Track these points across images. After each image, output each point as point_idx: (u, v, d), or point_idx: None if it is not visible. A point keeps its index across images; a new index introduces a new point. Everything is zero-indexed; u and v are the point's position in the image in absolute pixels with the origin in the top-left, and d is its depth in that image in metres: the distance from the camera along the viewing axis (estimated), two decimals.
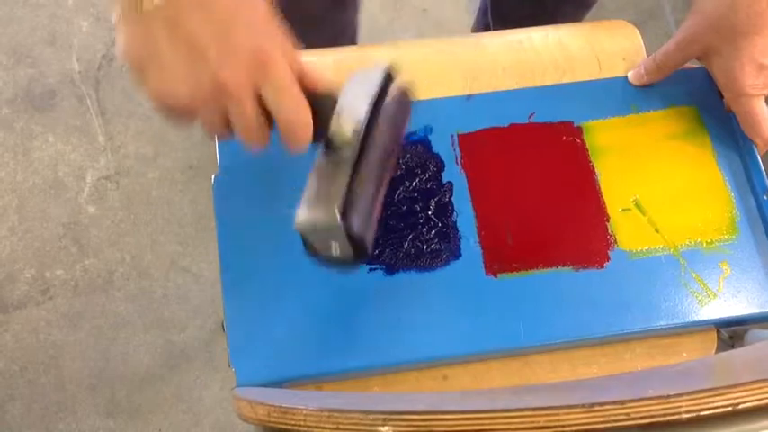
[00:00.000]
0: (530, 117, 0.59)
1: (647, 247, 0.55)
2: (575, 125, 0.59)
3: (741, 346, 0.56)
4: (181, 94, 0.38)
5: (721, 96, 0.60)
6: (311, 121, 0.42)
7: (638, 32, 0.65)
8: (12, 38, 1.42)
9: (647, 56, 0.62)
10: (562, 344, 0.53)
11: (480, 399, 0.44)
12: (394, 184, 0.56)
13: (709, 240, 0.55)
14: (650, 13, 1.43)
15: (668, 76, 0.60)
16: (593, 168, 0.57)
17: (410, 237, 0.55)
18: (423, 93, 0.61)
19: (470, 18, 1.29)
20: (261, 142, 0.42)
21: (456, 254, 0.54)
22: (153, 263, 1.27)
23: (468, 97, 0.60)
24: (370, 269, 0.54)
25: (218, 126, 0.41)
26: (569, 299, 0.53)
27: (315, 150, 0.45)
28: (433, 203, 0.56)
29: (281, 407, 0.35)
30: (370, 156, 0.45)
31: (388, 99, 0.47)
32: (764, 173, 0.56)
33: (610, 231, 0.55)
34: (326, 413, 0.32)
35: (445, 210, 0.56)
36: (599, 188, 0.57)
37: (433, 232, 0.55)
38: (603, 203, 0.56)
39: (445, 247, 0.54)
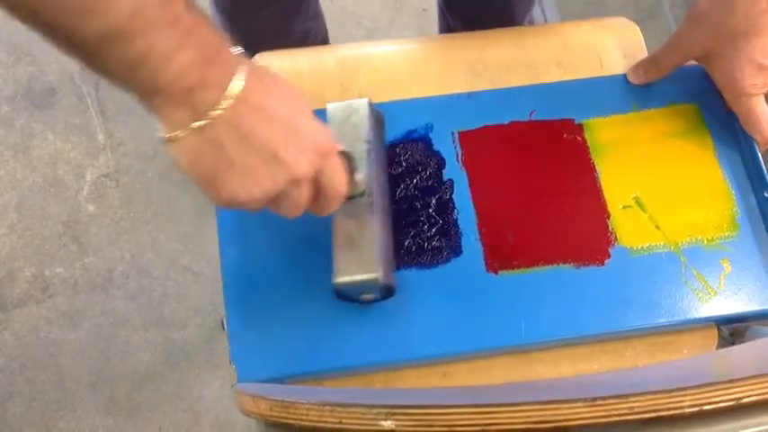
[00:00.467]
0: (530, 114, 0.59)
1: (647, 245, 0.55)
2: (575, 122, 0.59)
3: (742, 343, 0.56)
4: (257, 194, 0.40)
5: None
6: None
7: (638, 30, 0.65)
8: (12, 35, 1.42)
9: (648, 53, 0.62)
10: (563, 341, 0.53)
11: (482, 394, 0.44)
12: (395, 182, 0.56)
13: (709, 238, 0.55)
14: (651, 10, 1.43)
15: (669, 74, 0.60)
16: (594, 166, 0.57)
17: (411, 234, 0.55)
18: (424, 90, 0.61)
19: None
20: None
21: (457, 251, 0.54)
22: (153, 261, 1.27)
23: (469, 95, 0.60)
24: None
25: (278, 209, 0.43)
26: (570, 296, 0.53)
27: None
28: (433, 201, 0.56)
29: (283, 401, 0.35)
30: (379, 196, 0.50)
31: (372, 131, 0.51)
32: (765, 170, 0.56)
33: (610, 229, 0.55)
34: (329, 408, 0.32)
35: (446, 207, 0.56)
36: (600, 185, 0.57)
37: (434, 230, 0.55)
38: (604, 201, 0.56)
39: (446, 245, 0.54)
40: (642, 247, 0.55)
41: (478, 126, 0.59)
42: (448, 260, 0.54)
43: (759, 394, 0.28)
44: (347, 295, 0.50)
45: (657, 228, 0.55)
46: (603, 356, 0.54)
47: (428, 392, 0.49)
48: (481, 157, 0.57)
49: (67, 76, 1.39)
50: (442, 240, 0.54)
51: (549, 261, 0.54)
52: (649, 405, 0.27)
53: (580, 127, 0.59)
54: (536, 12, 1.04)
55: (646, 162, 0.58)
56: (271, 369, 0.51)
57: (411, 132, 0.58)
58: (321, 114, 0.49)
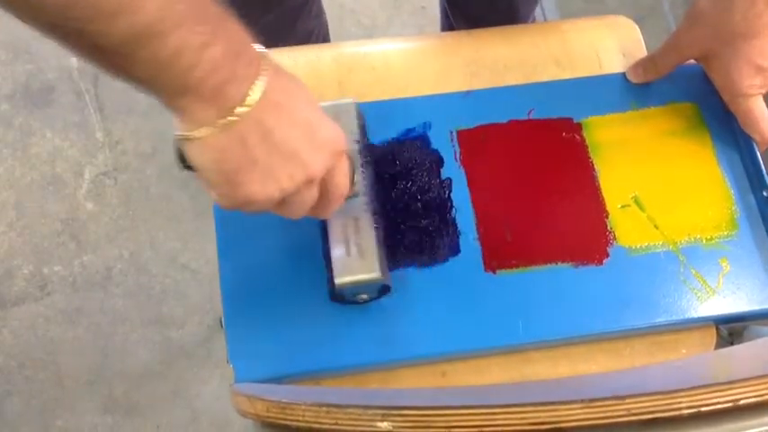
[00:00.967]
0: (529, 113, 0.59)
1: (646, 244, 0.54)
2: (574, 121, 0.59)
3: (740, 342, 0.56)
4: (276, 194, 0.39)
5: None
6: None
7: (638, 29, 0.65)
8: (10, 33, 1.41)
9: (647, 52, 0.62)
10: (561, 340, 0.53)
11: (479, 395, 0.43)
12: (393, 181, 0.56)
13: (708, 237, 0.55)
14: (650, 9, 1.43)
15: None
16: (593, 165, 0.57)
17: (409, 233, 0.54)
18: (422, 89, 0.61)
19: None
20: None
21: (455, 250, 0.54)
22: (151, 259, 1.26)
23: (468, 93, 0.60)
24: None
25: (284, 210, 0.42)
26: (568, 295, 0.53)
27: None
28: (431, 200, 0.56)
29: (279, 402, 0.34)
30: (371, 196, 0.50)
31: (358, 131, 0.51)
32: (764, 169, 0.56)
33: (609, 228, 0.55)
34: (325, 408, 0.32)
35: (444, 206, 0.55)
36: (598, 184, 0.56)
37: (432, 229, 0.55)
38: (603, 200, 0.56)
39: (444, 244, 0.54)
40: (641, 247, 0.54)
41: (477, 125, 0.58)
42: (446, 259, 0.54)
43: (757, 396, 0.27)
44: (344, 296, 0.50)
45: (656, 227, 0.55)
46: (602, 356, 0.54)
47: (425, 393, 0.49)
48: (479, 155, 0.57)
49: (66, 73, 1.38)
50: (440, 239, 0.54)
51: (547, 260, 0.54)
52: (646, 407, 0.27)
53: (579, 126, 0.59)
54: (536, 10, 1.04)
55: (644, 161, 0.58)
56: (268, 369, 0.50)
57: (409, 131, 0.58)
58: None
